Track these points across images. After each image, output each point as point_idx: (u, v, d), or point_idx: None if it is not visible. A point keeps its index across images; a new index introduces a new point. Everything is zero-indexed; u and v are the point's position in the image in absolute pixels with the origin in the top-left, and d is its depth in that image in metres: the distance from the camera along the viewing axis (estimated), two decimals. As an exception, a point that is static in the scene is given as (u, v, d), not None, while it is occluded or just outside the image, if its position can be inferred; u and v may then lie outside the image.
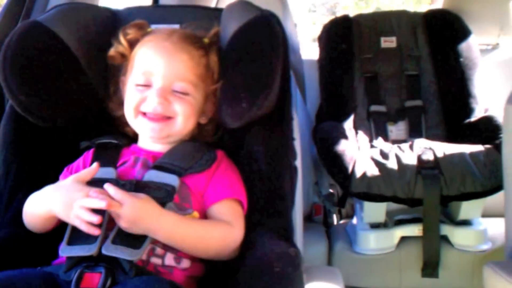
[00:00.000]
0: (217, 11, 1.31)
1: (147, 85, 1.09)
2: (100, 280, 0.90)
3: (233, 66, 1.13)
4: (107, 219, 0.96)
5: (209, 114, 1.18)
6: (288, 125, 1.19)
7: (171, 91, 1.09)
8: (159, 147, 1.13)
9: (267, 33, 1.14)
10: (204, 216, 1.08)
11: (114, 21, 1.30)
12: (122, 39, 1.17)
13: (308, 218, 2.19)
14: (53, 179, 1.12)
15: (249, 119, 1.11)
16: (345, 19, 2.30)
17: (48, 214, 1.02)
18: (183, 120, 1.10)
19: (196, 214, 1.06)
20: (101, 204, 0.92)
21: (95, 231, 0.94)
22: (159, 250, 0.99)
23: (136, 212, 0.94)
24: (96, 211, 0.94)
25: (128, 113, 1.12)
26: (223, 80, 1.14)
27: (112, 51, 1.18)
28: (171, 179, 1.05)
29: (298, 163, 1.22)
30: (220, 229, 1.05)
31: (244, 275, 0.97)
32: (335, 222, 2.23)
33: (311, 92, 2.30)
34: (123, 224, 0.94)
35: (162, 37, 1.13)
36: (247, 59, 1.13)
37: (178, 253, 1.01)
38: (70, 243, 0.96)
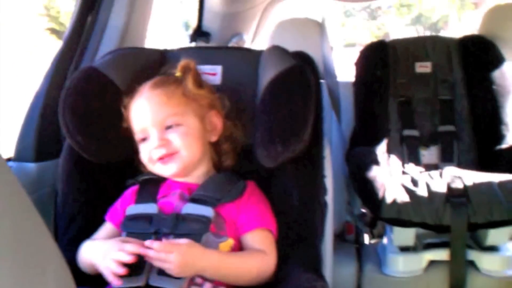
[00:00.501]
0: (257, 54, 1.42)
1: (147, 137, 1.22)
2: None
3: (268, 113, 1.24)
4: None
5: (218, 130, 1.28)
6: (320, 164, 1.30)
7: (164, 131, 1.20)
8: (192, 179, 1.25)
9: (301, 82, 1.25)
10: (239, 242, 1.18)
11: (163, 61, 1.42)
12: (123, 110, 1.28)
13: (340, 237, 2.28)
14: (103, 211, 1.25)
15: (283, 160, 1.22)
16: (381, 44, 2.38)
17: (91, 263, 1.13)
18: (187, 148, 1.20)
19: (231, 241, 1.16)
20: (128, 258, 1.03)
21: (119, 282, 1.03)
22: (198, 280, 1.09)
23: (185, 258, 1.03)
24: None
25: (148, 165, 1.24)
26: (259, 125, 1.25)
27: (124, 124, 1.28)
28: (206, 211, 1.15)
29: (329, 197, 1.33)
30: (257, 258, 1.14)
31: None
32: (367, 241, 2.30)
33: (347, 113, 2.39)
34: (175, 271, 1.03)
35: (139, 93, 1.25)
36: (281, 106, 1.23)
37: (215, 282, 1.10)
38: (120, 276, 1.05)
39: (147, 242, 1.04)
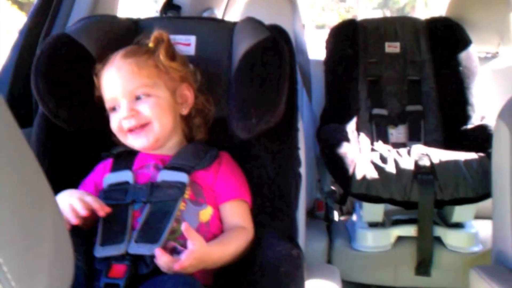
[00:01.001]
0: (231, 25, 1.41)
1: (117, 107, 1.20)
2: (126, 270, 1.02)
3: (243, 84, 1.24)
4: (131, 221, 1.09)
5: (189, 103, 1.26)
6: (294, 136, 1.30)
7: (134, 101, 1.19)
8: (165, 151, 1.24)
9: (276, 54, 1.24)
10: (218, 210, 1.19)
11: (136, 30, 1.39)
12: (95, 78, 1.26)
13: (310, 214, 2.30)
14: (77, 179, 1.24)
15: (258, 132, 1.22)
16: (351, 23, 2.40)
17: None
18: (158, 119, 1.19)
19: (210, 209, 1.18)
20: (83, 212, 1.05)
21: (73, 220, 1.05)
22: (180, 248, 1.08)
23: (198, 266, 1.04)
24: (120, 216, 1.09)
25: (119, 136, 1.23)
26: (233, 96, 1.25)
27: (96, 92, 1.26)
28: (181, 177, 1.16)
29: (302, 170, 1.34)
30: (242, 238, 1.16)
31: (254, 274, 1.09)
32: (336, 218, 2.34)
33: (317, 91, 2.41)
34: (188, 263, 1.01)
35: (110, 62, 1.23)
36: (256, 78, 1.22)
37: None
38: (102, 244, 1.08)
39: (184, 225, 1.04)
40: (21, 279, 0.37)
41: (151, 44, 1.27)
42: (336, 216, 2.34)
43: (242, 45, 1.29)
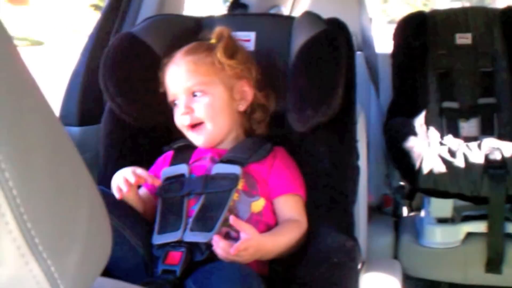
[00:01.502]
0: (290, 20, 1.42)
1: (177, 102, 1.25)
2: (181, 257, 1.07)
3: (300, 77, 1.25)
4: (186, 211, 1.14)
5: (248, 99, 1.28)
6: (351, 129, 1.30)
7: (191, 97, 1.23)
8: (223, 146, 1.27)
9: (331, 48, 1.25)
10: (271, 203, 1.21)
11: (199, 29, 1.44)
12: (160, 74, 1.30)
13: (378, 209, 2.28)
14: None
15: (314, 124, 1.23)
16: (419, 15, 2.34)
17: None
18: (211, 120, 1.23)
19: (262, 201, 1.20)
20: (132, 180, 1.12)
21: (125, 188, 1.12)
22: (234, 234, 1.12)
23: (254, 256, 1.07)
24: (176, 207, 1.14)
25: (182, 130, 1.28)
26: (291, 90, 1.26)
27: (161, 88, 1.31)
28: (234, 169, 1.19)
29: (361, 163, 1.33)
30: (295, 230, 1.17)
31: (305, 264, 1.11)
32: (405, 214, 2.30)
33: (386, 86, 2.37)
34: (244, 247, 1.03)
35: (173, 59, 1.27)
36: (312, 70, 1.24)
37: None
38: (160, 233, 1.14)
39: (232, 218, 1.07)
40: (53, 252, 0.40)
41: (213, 40, 1.29)
42: (405, 212, 2.30)
43: (299, 39, 1.30)
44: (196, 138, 1.26)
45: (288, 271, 1.14)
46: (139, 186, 1.23)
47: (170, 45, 1.35)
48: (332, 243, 1.13)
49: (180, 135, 1.31)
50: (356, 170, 1.30)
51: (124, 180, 1.13)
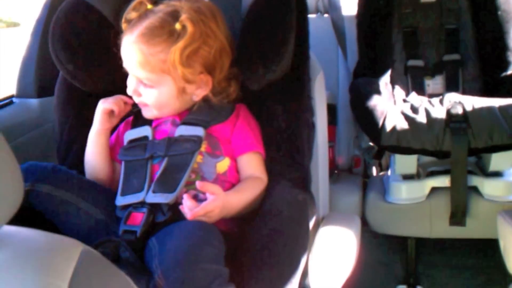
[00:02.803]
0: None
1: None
2: (143, 218, 1.09)
3: (250, 36, 1.25)
4: (149, 174, 1.16)
5: (205, 89, 1.22)
6: (305, 86, 1.30)
7: (140, 84, 1.20)
8: (183, 109, 1.26)
9: (280, 5, 1.25)
10: (235, 161, 1.24)
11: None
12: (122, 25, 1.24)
13: (349, 170, 2.31)
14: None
15: (266, 82, 1.23)
16: (384, -26, 2.33)
17: (98, 137, 1.26)
18: (158, 108, 1.22)
19: (227, 160, 1.22)
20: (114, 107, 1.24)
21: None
22: (201, 195, 1.13)
23: (221, 214, 1.09)
24: (139, 170, 1.17)
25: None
26: (242, 49, 1.26)
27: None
28: (197, 131, 1.20)
29: (319, 120, 1.34)
30: (257, 186, 1.21)
31: (259, 218, 1.13)
32: (375, 174, 2.32)
33: (353, 48, 2.37)
34: (212, 206, 1.06)
35: (129, 31, 1.18)
36: (262, 28, 1.24)
37: None
38: (122, 194, 1.16)
39: (197, 184, 1.09)
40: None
41: (178, 26, 1.15)
42: (374, 172, 2.33)
43: None
44: (143, 112, 1.26)
45: (243, 226, 1.16)
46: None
47: (118, 9, 1.34)
48: (285, 197, 1.15)
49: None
50: (311, 126, 1.31)
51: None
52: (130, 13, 1.21)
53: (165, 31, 1.15)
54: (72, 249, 0.51)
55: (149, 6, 1.20)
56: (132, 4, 1.21)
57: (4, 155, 0.48)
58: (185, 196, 1.07)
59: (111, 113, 1.26)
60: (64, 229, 1.14)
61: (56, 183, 1.13)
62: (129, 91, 1.22)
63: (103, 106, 1.25)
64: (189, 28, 1.14)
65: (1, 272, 0.47)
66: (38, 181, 1.12)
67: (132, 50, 1.16)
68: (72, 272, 0.48)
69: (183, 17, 1.14)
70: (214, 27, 1.18)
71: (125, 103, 1.26)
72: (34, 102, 1.57)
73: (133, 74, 1.19)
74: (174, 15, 1.16)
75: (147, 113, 1.26)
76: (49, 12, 1.60)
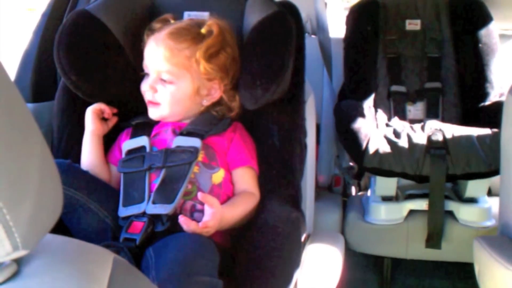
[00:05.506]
0: (243, 1, 1.46)
1: (148, 74, 1.30)
2: (142, 227, 1.13)
3: (251, 57, 1.30)
4: (148, 185, 1.20)
5: (214, 97, 1.32)
6: (300, 108, 1.36)
7: (159, 80, 1.27)
8: (183, 120, 1.32)
9: (281, 29, 1.30)
10: (230, 174, 1.29)
11: (153, 8, 1.47)
12: (145, 36, 1.34)
13: (329, 189, 2.36)
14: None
15: (264, 103, 1.28)
16: (372, 2, 2.41)
17: (92, 143, 1.30)
18: (169, 106, 1.29)
19: (222, 172, 1.27)
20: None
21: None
22: (199, 206, 1.19)
23: (218, 227, 1.14)
24: (139, 182, 1.20)
25: (144, 96, 1.33)
26: (242, 68, 1.31)
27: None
28: (195, 142, 1.24)
29: (309, 140, 1.40)
30: (250, 201, 1.26)
31: (253, 233, 1.18)
32: (354, 193, 2.39)
33: (338, 69, 2.43)
34: (212, 223, 1.12)
35: (157, 32, 1.31)
36: (263, 51, 1.29)
37: None
38: (125, 205, 1.20)
39: (200, 194, 1.14)
40: (7, 201, 0.44)
41: (203, 30, 1.30)
42: (353, 191, 2.39)
43: (251, 20, 1.35)
44: (151, 112, 1.31)
45: (237, 240, 1.20)
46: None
47: (124, 24, 1.38)
48: (278, 214, 1.19)
49: (133, 113, 1.35)
50: (303, 146, 1.36)
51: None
52: (155, 24, 1.33)
53: (192, 32, 1.29)
54: (105, 257, 0.55)
55: (173, 21, 1.34)
56: (157, 19, 1.33)
57: (47, 162, 0.51)
58: (181, 218, 1.11)
59: (101, 114, 1.32)
60: (72, 229, 1.19)
61: (67, 181, 1.17)
62: (145, 87, 1.28)
63: (92, 107, 1.32)
64: (215, 31, 1.29)
65: (44, 277, 0.50)
66: None
67: (160, 45, 1.27)
68: (108, 279, 0.51)
69: (209, 22, 1.31)
70: (230, 39, 1.32)
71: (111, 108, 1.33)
72: (29, 107, 1.58)
73: (156, 69, 1.27)
74: (199, 24, 1.32)
75: (155, 113, 1.30)
76: (48, 20, 1.62)
